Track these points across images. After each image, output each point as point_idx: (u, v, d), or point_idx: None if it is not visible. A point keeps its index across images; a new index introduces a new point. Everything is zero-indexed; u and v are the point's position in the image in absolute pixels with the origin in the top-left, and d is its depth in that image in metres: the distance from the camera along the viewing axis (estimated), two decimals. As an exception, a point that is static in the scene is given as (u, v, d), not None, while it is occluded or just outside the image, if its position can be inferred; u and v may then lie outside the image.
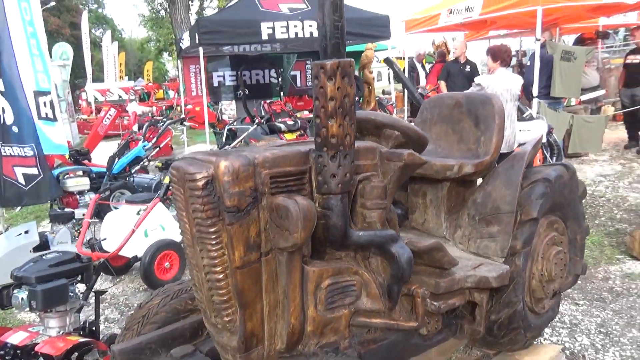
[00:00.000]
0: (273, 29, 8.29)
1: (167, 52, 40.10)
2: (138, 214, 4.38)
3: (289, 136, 8.83)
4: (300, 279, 1.89)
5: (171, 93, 23.02)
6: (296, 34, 8.45)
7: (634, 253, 4.31)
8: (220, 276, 1.77)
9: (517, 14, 7.61)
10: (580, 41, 8.74)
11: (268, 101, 9.71)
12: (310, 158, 1.92)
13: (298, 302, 1.91)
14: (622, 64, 8.42)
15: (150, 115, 14.53)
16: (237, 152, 1.84)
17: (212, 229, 1.73)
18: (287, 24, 8.38)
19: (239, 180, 1.73)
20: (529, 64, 7.52)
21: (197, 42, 8.33)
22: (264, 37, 8.32)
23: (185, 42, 9.40)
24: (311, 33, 8.52)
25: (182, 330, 2.23)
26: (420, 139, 2.32)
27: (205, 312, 1.94)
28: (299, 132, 8.83)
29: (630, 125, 8.24)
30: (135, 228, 3.83)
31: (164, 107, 18.22)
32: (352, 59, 1.77)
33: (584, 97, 8.22)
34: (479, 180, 2.81)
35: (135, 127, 11.59)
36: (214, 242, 1.74)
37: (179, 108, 18.50)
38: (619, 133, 9.41)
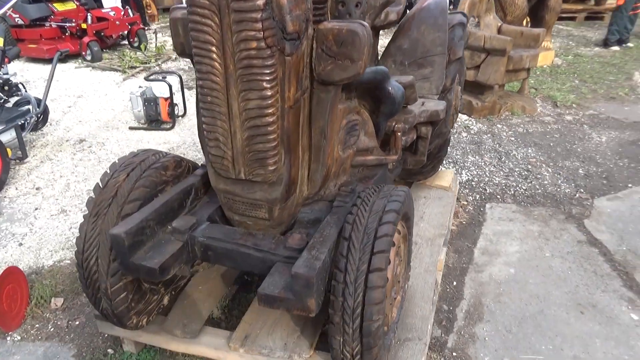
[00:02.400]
0: None
1: None
2: None
3: (59, 6, 7.19)
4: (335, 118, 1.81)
5: None
6: None
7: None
8: (272, 119, 1.55)
9: None
10: None
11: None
12: None
13: (334, 142, 1.84)
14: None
15: None
16: None
17: (270, 62, 1.46)
18: None
19: (298, 1, 1.48)
20: None
21: None
22: None
23: None
24: None
25: (171, 203, 1.90)
26: None
27: (230, 168, 1.69)
28: (76, 2, 7.26)
29: None
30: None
31: None
32: None
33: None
34: None
35: None
36: (269, 78, 1.49)
37: None
38: None
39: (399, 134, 2.31)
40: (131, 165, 1.92)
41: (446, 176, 3.24)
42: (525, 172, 3.94)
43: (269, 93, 1.50)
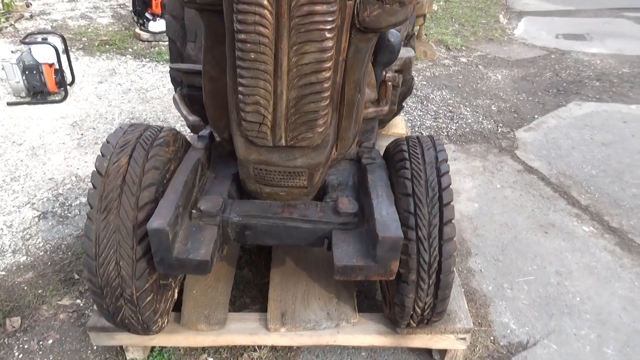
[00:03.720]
0: None
1: None
2: None
3: None
4: (364, 69, 1.69)
5: None
6: None
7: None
8: (329, 74, 1.39)
9: None
10: None
11: None
12: None
13: (365, 95, 1.73)
14: None
15: None
16: None
17: (334, 7, 1.29)
18: None
19: None
20: None
21: None
22: None
23: None
24: None
25: (189, 183, 1.63)
26: None
27: (267, 135, 1.49)
28: None
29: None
30: None
31: None
32: None
33: None
34: None
35: None
36: (330, 27, 1.31)
37: None
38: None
39: (389, 83, 2.25)
40: (129, 144, 1.59)
41: (399, 123, 3.30)
42: (450, 114, 4.19)
43: (329, 44, 1.33)
